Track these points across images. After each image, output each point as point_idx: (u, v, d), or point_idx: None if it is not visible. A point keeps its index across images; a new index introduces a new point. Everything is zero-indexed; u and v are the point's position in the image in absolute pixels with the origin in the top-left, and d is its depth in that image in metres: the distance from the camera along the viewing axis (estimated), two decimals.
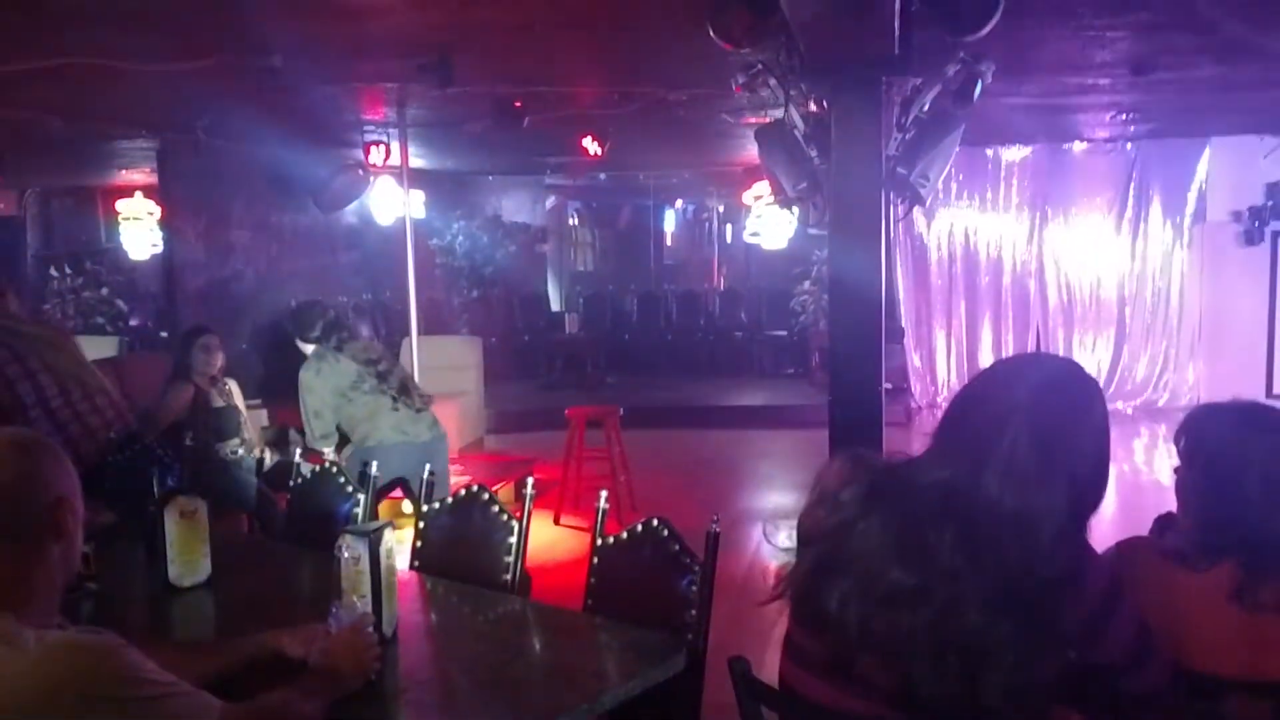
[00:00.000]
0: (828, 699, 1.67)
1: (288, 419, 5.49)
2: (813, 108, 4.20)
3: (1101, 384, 9.38)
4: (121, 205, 12.40)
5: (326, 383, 4.36)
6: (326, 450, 4.38)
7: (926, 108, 4.21)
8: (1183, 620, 1.86)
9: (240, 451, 5.13)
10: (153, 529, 2.75)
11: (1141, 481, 7.71)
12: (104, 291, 11.61)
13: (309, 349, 4.56)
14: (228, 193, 9.04)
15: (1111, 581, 1.66)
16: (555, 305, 14.56)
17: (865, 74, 3.70)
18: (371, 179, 10.05)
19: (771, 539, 5.44)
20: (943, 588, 1.54)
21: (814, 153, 4.14)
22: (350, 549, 2.14)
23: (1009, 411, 1.60)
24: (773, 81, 4.24)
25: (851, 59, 3.62)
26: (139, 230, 12.33)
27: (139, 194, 12.30)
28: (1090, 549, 1.66)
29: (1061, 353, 10.15)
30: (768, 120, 4.95)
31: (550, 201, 14.68)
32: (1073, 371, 1.75)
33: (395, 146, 8.14)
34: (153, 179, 11.30)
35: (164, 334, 10.47)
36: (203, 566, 2.67)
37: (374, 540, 2.16)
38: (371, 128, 8.14)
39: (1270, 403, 2.00)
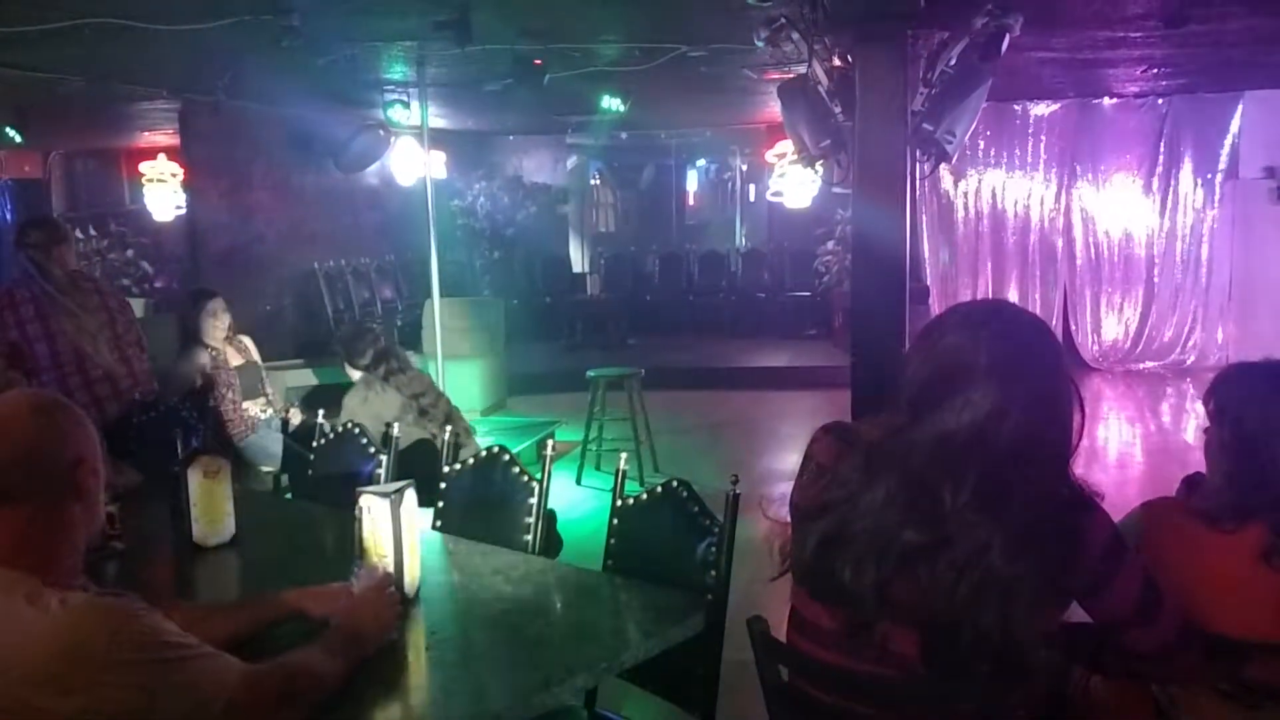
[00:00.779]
0: (843, 664, 1.67)
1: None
2: (836, 63, 4.13)
3: (1129, 344, 9.37)
4: (145, 167, 12.43)
5: (369, 410, 4.31)
6: None
7: (953, 62, 4.12)
8: (1209, 581, 1.84)
9: (269, 411, 5.18)
10: (177, 489, 2.78)
11: (1169, 442, 7.64)
12: (129, 253, 11.66)
13: (355, 374, 4.57)
14: (249, 154, 9.05)
15: (1116, 534, 1.65)
16: (577, 266, 14.51)
17: (890, 28, 3.62)
18: (392, 139, 10.03)
19: (766, 511, 5.41)
20: (960, 536, 1.54)
21: (838, 109, 4.07)
22: (371, 509, 2.15)
23: (994, 356, 1.58)
24: (795, 36, 4.16)
25: (876, 12, 3.54)
26: (163, 192, 12.37)
27: (162, 156, 12.33)
28: (1086, 494, 1.64)
29: (1089, 313, 10.05)
30: (791, 76, 4.88)
31: (572, 161, 14.60)
32: (1026, 313, 1.74)
33: (416, 106, 8.09)
34: (175, 140, 11.33)
35: None
36: (226, 526, 2.69)
37: (395, 500, 2.16)
38: (391, 87, 8.09)
39: None
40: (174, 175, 12.42)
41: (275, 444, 4.72)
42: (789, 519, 1.78)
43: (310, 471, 3.49)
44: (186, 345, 4.99)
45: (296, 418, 4.28)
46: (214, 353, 4.97)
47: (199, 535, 2.65)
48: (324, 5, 4.97)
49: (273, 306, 9.10)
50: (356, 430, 3.35)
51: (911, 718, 1.65)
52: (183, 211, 11.49)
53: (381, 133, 9.81)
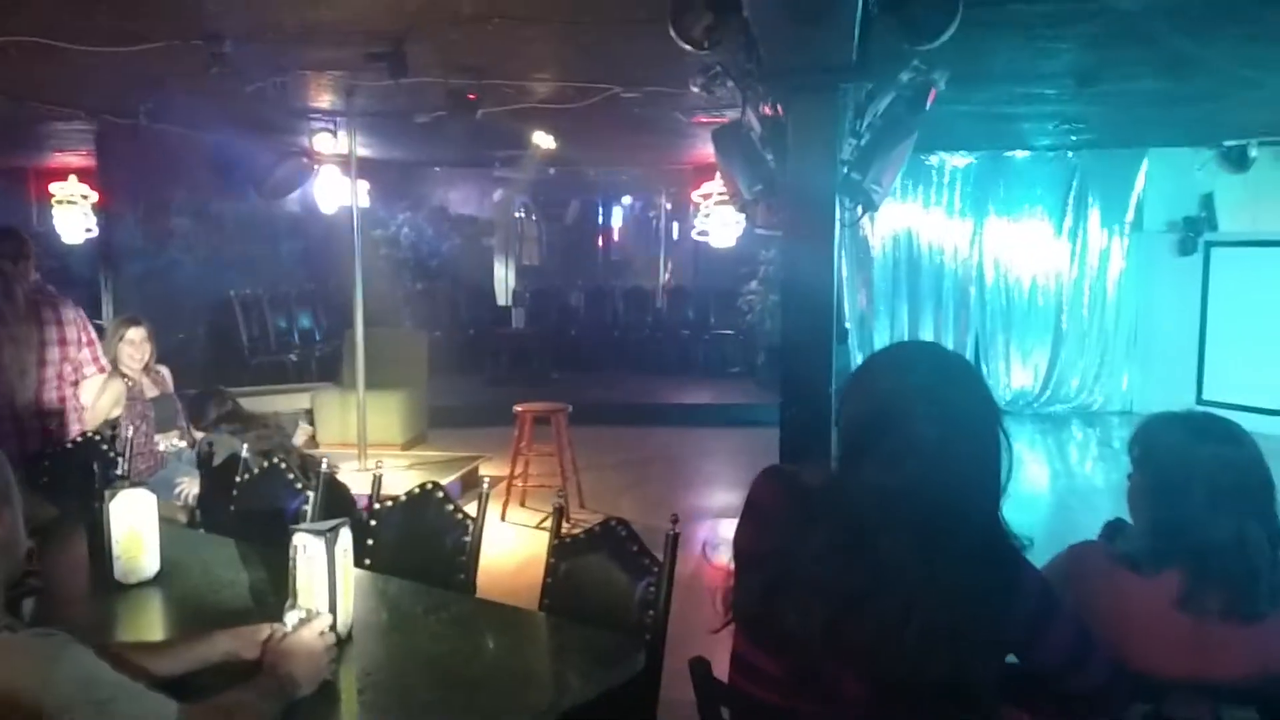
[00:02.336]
0: (789, 705, 1.69)
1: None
2: (768, 111, 4.23)
3: (1038, 387, 9.65)
4: (55, 188, 12.06)
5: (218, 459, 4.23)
6: None
7: (880, 114, 4.27)
8: (1130, 623, 1.91)
9: (180, 443, 5.03)
10: (96, 524, 2.69)
11: (1076, 484, 7.90)
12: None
13: (198, 435, 4.57)
14: (168, 178, 8.86)
15: (1046, 586, 1.70)
16: (501, 299, 14.46)
17: (823, 79, 3.73)
18: (315, 167, 9.91)
19: (711, 557, 5.43)
20: (902, 584, 1.56)
21: (769, 156, 4.16)
22: (306, 548, 2.11)
23: (927, 403, 1.60)
24: (730, 83, 4.25)
25: (810, 64, 3.64)
26: (73, 214, 12.01)
27: (73, 177, 11.98)
28: (1015, 545, 1.68)
29: (1000, 356, 10.36)
30: (722, 119, 4.97)
31: (498, 194, 14.58)
32: (956, 356, 1.78)
33: (342, 135, 8.02)
34: (87, 161, 11.02)
35: (99, 321, 10.21)
36: (149, 563, 2.61)
37: (330, 539, 2.13)
38: (318, 115, 8.02)
39: (1205, 409, 2.06)
40: (84, 197, 12.08)
41: (184, 478, 4.59)
42: (731, 564, 1.79)
43: (231, 507, 3.40)
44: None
45: (217, 451, 4.18)
46: (130, 383, 4.82)
47: (120, 572, 2.56)
48: (256, 33, 4.92)
49: (186, 334, 8.88)
50: (283, 466, 3.28)
51: None
52: (93, 234, 11.17)
53: (305, 160, 9.68)
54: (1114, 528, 2.15)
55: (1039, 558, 1.94)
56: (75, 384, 4.20)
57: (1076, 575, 2.00)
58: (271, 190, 9.95)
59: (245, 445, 4.12)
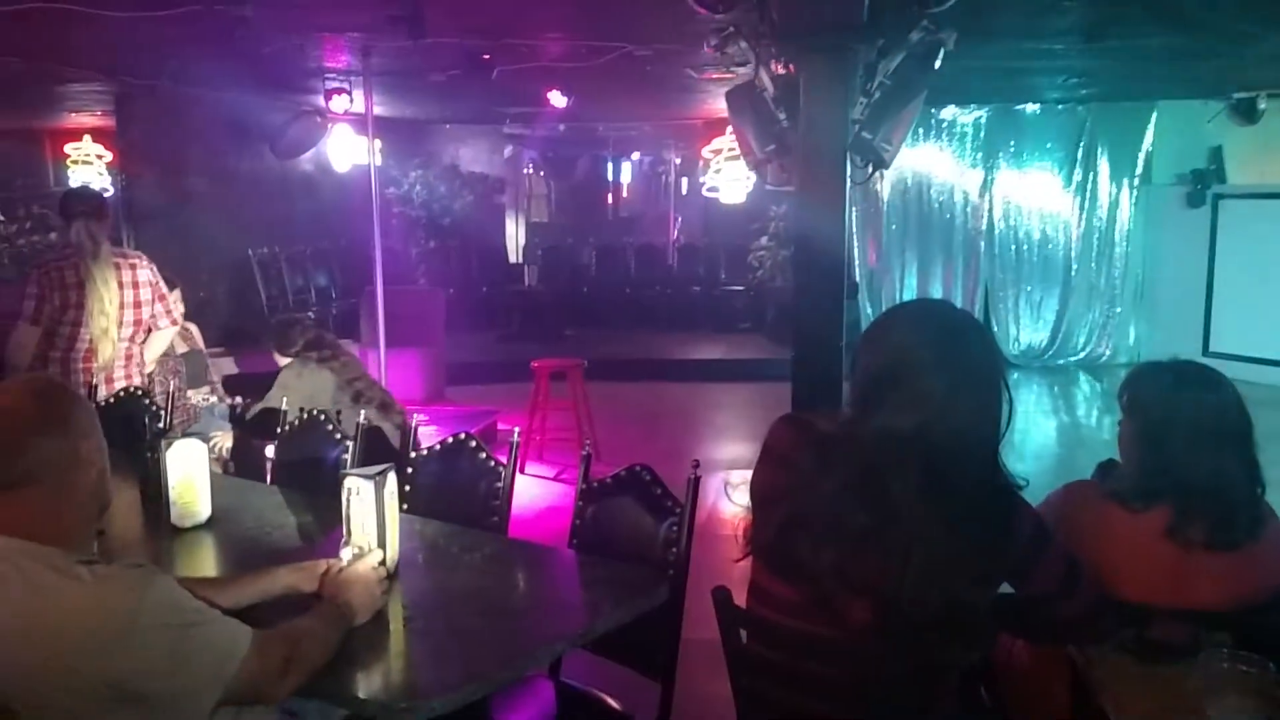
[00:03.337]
0: (801, 627, 1.86)
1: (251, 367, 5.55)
2: (781, 70, 4.32)
3: (1047, 339, 9.79)
4: (70, 148, 12.18)
5: (303, 386, 4.27)
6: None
7: (891, 73, 4.36)
8: (1119, 554, 2.07)
9: (213, 398, 5.21)
10: (150, 472, 2.86)
11: (1083, 435, 8.06)
12: (52, 236, 11.39)
13: (285, 361, 4.55)
14: (185, 139, 8.97)
15: (1039, 521, 1.86)
16: (513, 257, 14.56)
17: (834, 40, 3.83)
18: (329, 126, 10.01)
19: (730, 496, 5.64)
20: (906, 521, 1.72)
21: (782, 115, 4.27)
22: (359, 490, 2.28)
23: (935, 356, 1.75)
24: (744, 44, 4.35)
25: (822, 25, 3.74)
26: (88, 174, 12.14)
27: (88, 137, 12.10)
28: (1013, 484, 1.83)
29: (1010, 308, 10.45)
30: (733, 76, 5.07)
31: (508, 151, 14.62)
32: (964, 314, 1.93)
33: (357, 94, 8.11)
34: (102, 122, 11.11)
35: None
36: (202, 508, 2.79)
37: (379, 482, 2.30)
38: (333, 75, 8.10)
39: (1206, 362, 2.20)
40: (99, 157, 12.20)
41: (218, 432, 4.77)
42: (749, 504, 1.95)
43: (271, 459, 3.58)
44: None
45: (244, 404, 4.37)
46: None
47: (176, 517, 2.74)
48: None
49: (206, 293, 9.04)
50: (322, 418, 3.45)
51: (860, 676, 1.84)
52: (109, 194, 11.28)
53: (319, 119, 9.79)
54: (1105, 468, 2.32)
55: (1039, 497, 2.11)
56: (145, 338, 4.41)
57: (1070, 511, 2.16)
58: (286, 149, 10.11)
59: (331, 372, 4.32)
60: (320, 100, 8.58)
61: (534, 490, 6.10)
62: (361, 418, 3.38)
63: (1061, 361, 10.40)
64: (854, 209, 10.16)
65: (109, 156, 11.99)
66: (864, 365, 1.85)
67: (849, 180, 4.22)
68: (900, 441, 1.73)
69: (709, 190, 11.58)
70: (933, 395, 1.73)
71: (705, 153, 11.29)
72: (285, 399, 3.75)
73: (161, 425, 3.64)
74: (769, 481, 1.89)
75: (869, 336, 1.90)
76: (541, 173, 17.43)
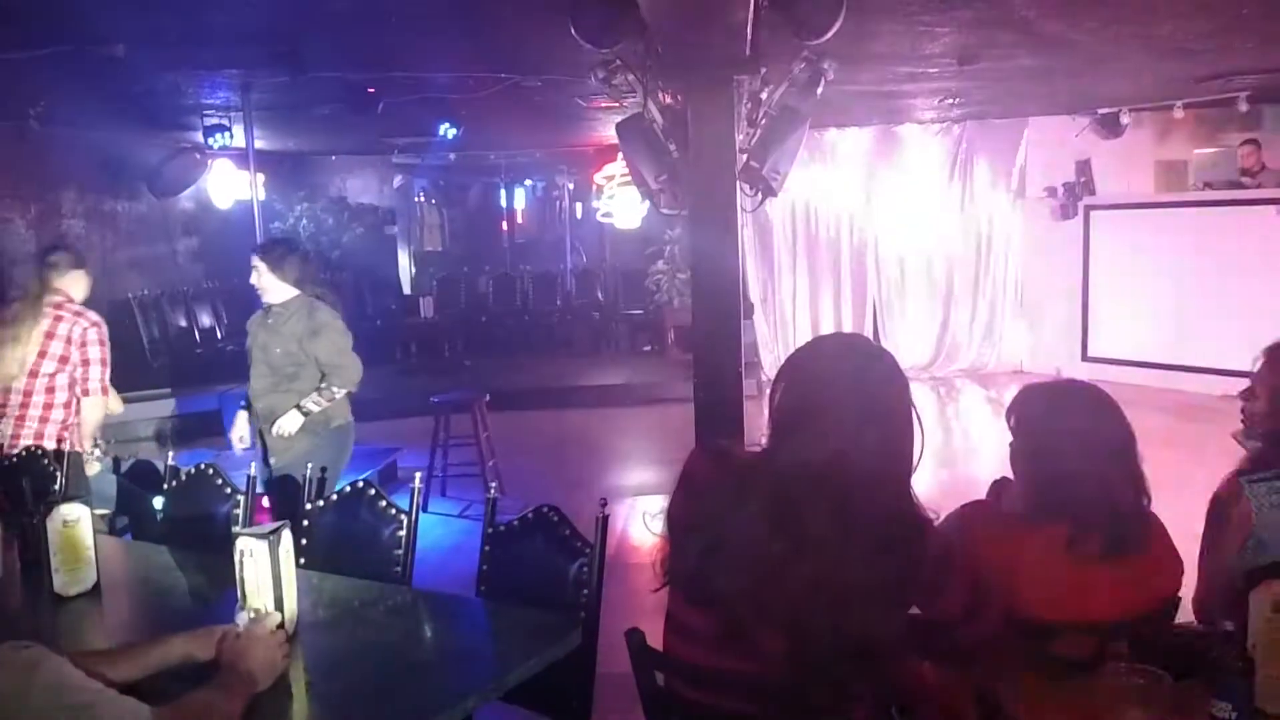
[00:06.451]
0: (715, 664, 1.86)
1: None
2: (668, 101, 4.37)
3: (933, 351, 10.05)
4: None
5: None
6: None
7: (775, 103, 4.46)
8: (1020, 572, 2.13)
9: (96, 451, 4.98)
10: (30, 539, 2.71)
11: (971, 443, 8.30)
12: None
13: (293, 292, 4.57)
14: (59, 181, 8.61)
15: (946, 546, 1.91)
16: (407, 288, 14.35)
17: (718, 73, 3.89)
18: (208, 162, 9.74)
19: (648, 525, 5.62)
20: (821, 550, 1.75)
21: (672, 146, 4.32)
22: (250, 551, 2.20)
23: (849, 390, 1.81)
24: (630, 76, 4.39)
25: (705, 59, 3.80)
26: None
27: None
28: (924, 515, 1.88)
29: (896, 320, 10.75)
30: (623, 106, 5.11)
31: (397, 181, 14.44)
32: (878, 348, 1.99)
33: (237, 129, 7.91)
34: None
35: None
36: (88, 575, 2.65)
37: (273, 542, 2.22)
38: (211, 111, 7.88)
39: (1085, 367, 2.29)
40: None
41: (106, 486, 4.57)
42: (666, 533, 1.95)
43: (160, 514, 3.44)
44: None
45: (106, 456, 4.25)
46: None
47: (60, 585, 2.60)
48: (149, 35, 4.86)
49: None
50: (210, 471, 3.33)
51: (775, 710, 1.85)
52: None
53: (197, 155, 9.52)
54: (999, 486, 2.38)
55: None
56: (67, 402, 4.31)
57: (969, 533, 2.21)
58: (164, 187, 9.80)
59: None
60: (198, 136, 8.33)
61: (438, 530, 5.99)
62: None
63: (948, 371, 10.72)
64: (743, 231, 10.33)
65: None
66: (781, 397, 1.88)
67: (740, 208, 4.29)
68: (814, 472, 1.76)
69: (603, 216, 11.63)
70: (845, 427, 1.77)
71: (598, 179, 11.34)
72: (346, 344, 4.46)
73: (58, 487, 3.48)
74: (687, 510, 1.91)
75: (786, 369, 1.94)
76: (433, 201, 17.25)
